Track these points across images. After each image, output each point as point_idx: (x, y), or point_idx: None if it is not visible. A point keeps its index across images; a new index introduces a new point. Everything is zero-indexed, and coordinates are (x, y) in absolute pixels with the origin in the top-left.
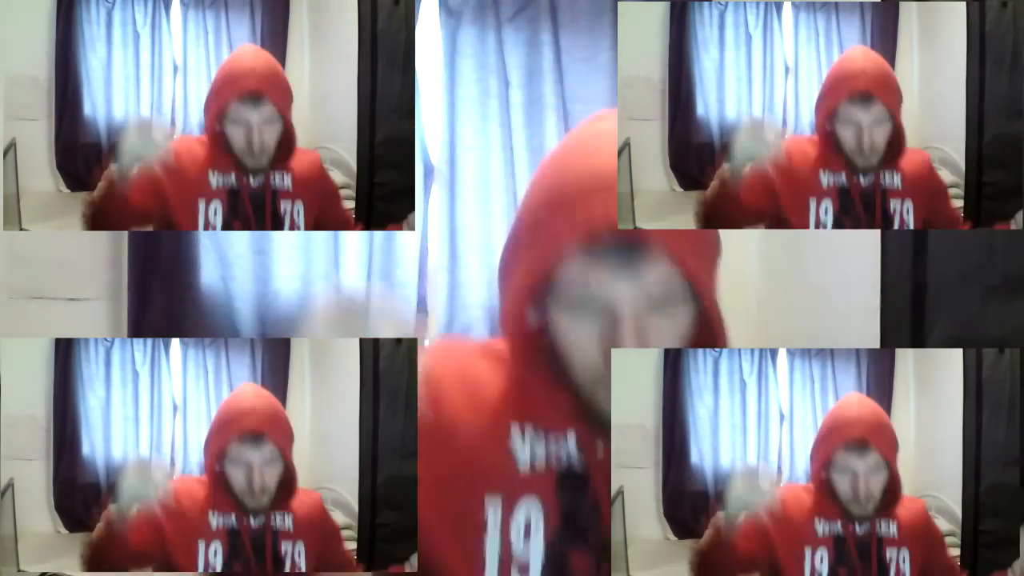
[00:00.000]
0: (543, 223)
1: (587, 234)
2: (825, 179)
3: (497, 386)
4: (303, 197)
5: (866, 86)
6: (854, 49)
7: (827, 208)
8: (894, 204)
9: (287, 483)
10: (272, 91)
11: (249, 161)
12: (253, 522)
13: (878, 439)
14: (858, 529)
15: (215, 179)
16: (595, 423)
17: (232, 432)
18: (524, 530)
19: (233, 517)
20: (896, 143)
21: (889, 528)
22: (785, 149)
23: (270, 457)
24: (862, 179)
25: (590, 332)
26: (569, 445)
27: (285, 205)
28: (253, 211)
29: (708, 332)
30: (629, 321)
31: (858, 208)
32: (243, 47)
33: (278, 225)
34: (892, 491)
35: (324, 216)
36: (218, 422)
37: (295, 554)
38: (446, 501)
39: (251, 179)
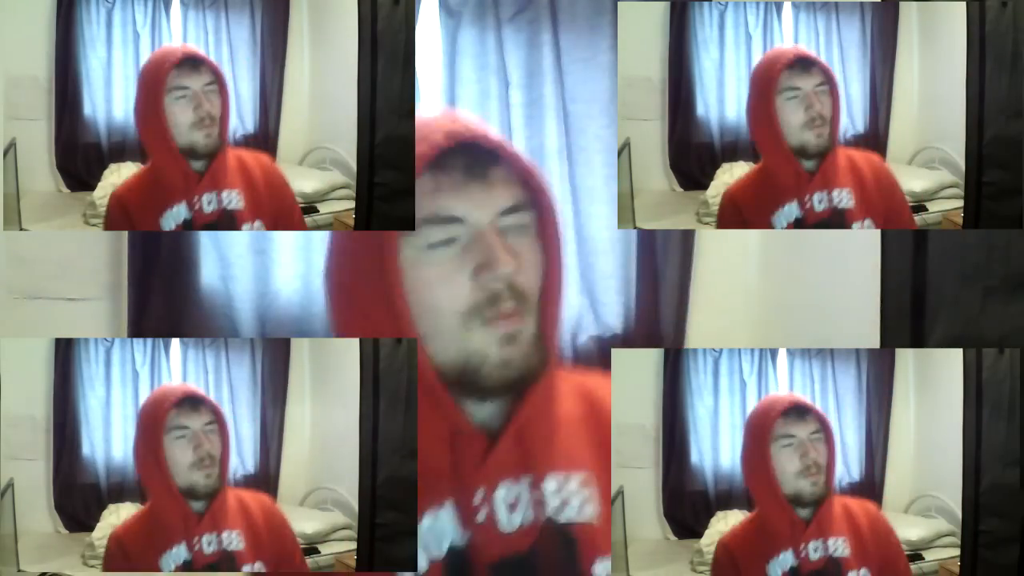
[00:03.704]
0: None
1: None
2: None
3: None
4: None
5: (801, 53)
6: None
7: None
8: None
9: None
10: (204, 57)
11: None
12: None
13: (810, 404)
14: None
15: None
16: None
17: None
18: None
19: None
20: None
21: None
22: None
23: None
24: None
25: (457, 258)
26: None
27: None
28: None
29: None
30: (495, 235)
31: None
32: None
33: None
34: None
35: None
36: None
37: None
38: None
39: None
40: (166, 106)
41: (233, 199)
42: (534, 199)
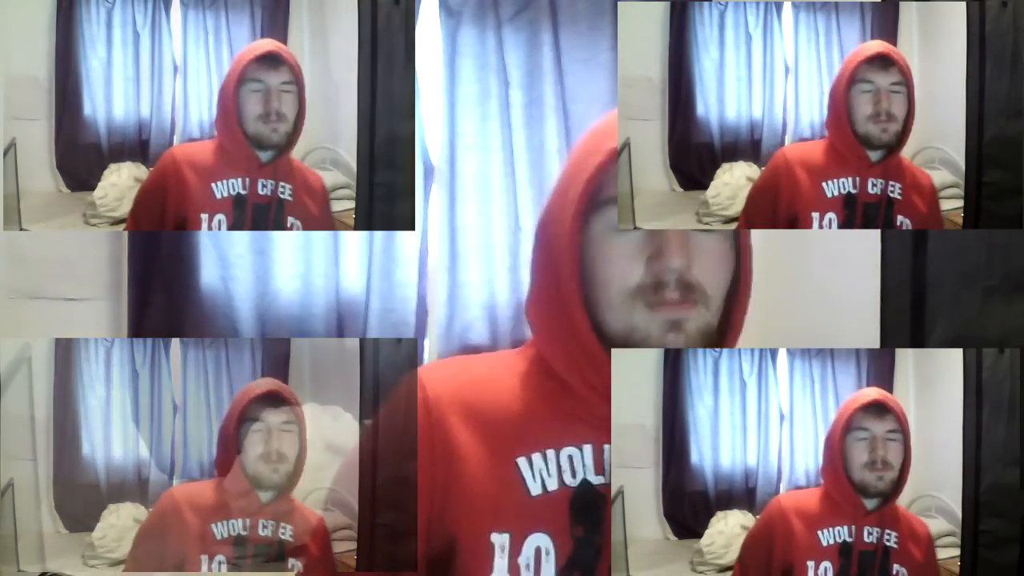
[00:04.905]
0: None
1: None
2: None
3: (506, 412)
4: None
5: (883, 50)
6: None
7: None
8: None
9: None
10: (288, 57)
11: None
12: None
13: (895, 405)
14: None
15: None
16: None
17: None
18: (534, 563)
19: (239, 524)
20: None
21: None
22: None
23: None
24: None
25: (636, 243)
26: (584, 461)
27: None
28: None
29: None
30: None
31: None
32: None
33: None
34: (905, 469)
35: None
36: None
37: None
38: (453, 536)
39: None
40: (240, 95)
41: (286, 191)
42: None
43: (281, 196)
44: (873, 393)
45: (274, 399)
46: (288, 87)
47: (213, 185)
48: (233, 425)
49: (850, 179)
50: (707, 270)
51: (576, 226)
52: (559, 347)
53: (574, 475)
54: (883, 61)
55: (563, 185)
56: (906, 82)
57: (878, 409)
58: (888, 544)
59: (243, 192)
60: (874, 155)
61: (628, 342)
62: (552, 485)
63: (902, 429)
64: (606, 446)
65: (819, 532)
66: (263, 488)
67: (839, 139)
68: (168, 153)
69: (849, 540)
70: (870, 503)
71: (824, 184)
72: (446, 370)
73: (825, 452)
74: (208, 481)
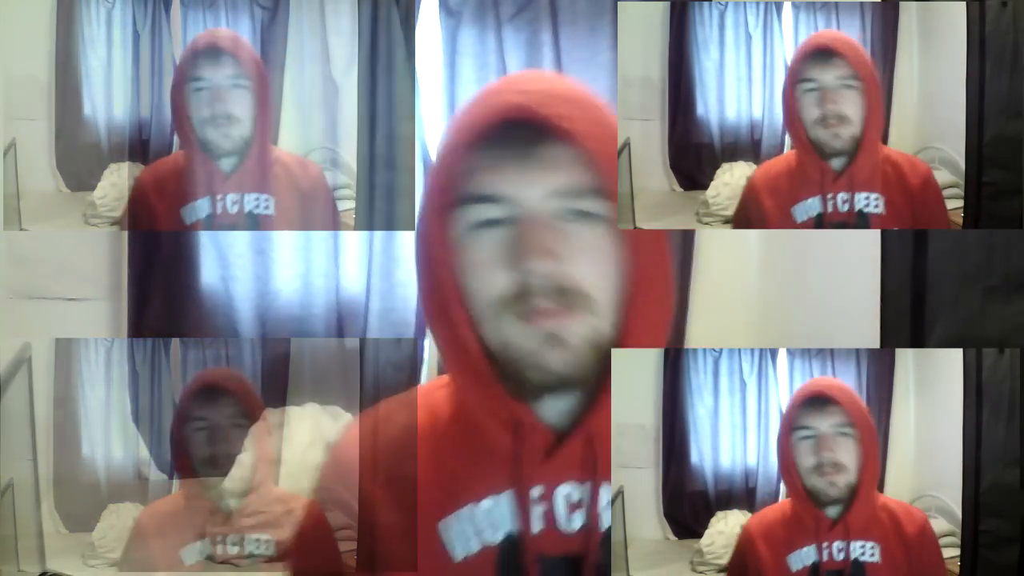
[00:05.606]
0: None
1: (480, 129)
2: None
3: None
4: None
5: (825, 42)
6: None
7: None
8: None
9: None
10: (233, 48)
11: (218, 141)
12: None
13: (841, 395)
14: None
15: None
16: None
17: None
18: None
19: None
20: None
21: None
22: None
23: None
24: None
25: (496, 244)
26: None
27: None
28: None
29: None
30: (540, 222)
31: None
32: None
33: None
34: (865, 469)
35: None
36: None
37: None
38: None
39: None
40: (185, 96)
41: (263, 204)
42: (604, 187)
43: (255, 212)
44: (815, 385)
45: (215, 393)
46: (239, 82)
47: (182, 211)
48: (178, 427)
49: (817, 198)
50: (586, 269)
51: (441, 223)
52: (458, 371)
53: (494, 531)
54: (824, 55)
55: (431, 173)
56: (858, 76)
57: (820, 402)
58: (861, 558)
59: (209, 213)
60: (836, 163)
61: (506, 359)
62: (474, 547)
63: (853, 423)
64: (533, 489)
65: (787, 558)
66: (222, 497)
67: (799, 147)
68: (136, 181)
69: (817, 561)
70: (831, 511)
71: (792, 210)
72: (353, 434)
73: (778, 459)
74: (172, 497)
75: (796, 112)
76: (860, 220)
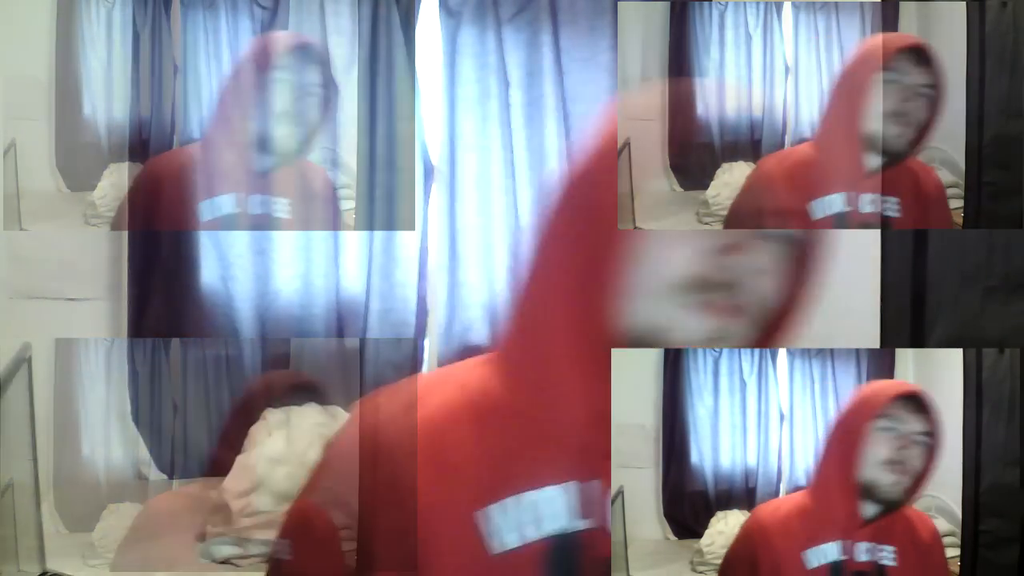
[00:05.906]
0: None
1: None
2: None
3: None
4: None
5: (924, 47)
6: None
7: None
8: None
9: None
10: (325, 61)
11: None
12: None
13: (933, 405)
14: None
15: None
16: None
17: None
18: None
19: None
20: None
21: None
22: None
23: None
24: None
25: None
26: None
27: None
28: None
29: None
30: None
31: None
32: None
33: None
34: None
35: None
36: None
37: None
38: None
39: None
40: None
41: (280, 207)
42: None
43: (276, 214)
44: (912, 385)
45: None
46: (319, 90)
47: (199, 205)
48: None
49: (842, 195)
50: (763, 276)
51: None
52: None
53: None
54: (915, 55)
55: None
56: (935, 86)
57: (916, 404)
58: (884, 563)
59: (232, 211)
60: (874, 161)
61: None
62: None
63: (935, 434)
64: (591, 483)
65: (804, 553)
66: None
67: (841, 137)
68: (145, 170)
69: (840, 560)
70: (870, 510)
71: (810, 205)
72: (396, 404)
73: (832, 442)
74: (172, 494)
75: (861, 102)
76: (883, 222)
